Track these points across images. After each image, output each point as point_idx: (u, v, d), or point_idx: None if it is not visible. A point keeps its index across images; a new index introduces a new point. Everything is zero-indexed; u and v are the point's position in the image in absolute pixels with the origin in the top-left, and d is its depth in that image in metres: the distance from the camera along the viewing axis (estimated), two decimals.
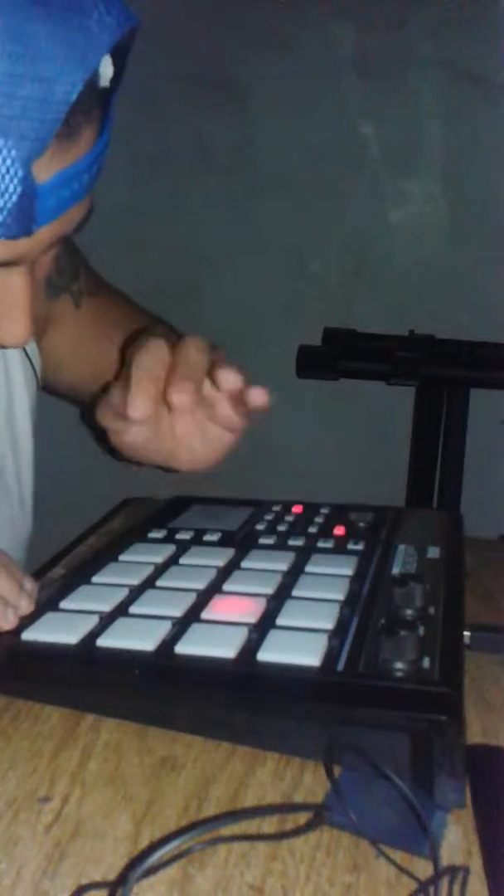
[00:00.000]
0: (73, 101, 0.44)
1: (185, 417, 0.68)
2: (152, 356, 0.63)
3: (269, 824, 0.42)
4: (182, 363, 0.63)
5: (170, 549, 0.66)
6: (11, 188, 0.44)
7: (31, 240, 0.49)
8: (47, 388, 0.89)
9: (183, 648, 0.50)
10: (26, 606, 0.56)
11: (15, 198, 0.45)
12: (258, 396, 0.65)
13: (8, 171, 0.43)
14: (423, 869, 0.39)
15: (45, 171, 0.46)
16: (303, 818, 0.43)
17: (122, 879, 0.37)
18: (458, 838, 0.42)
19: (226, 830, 0.41)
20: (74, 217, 0.52)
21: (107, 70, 0.48)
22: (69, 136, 0.46)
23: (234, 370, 0.64)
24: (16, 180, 0.44)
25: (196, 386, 0.62)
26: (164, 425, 0.69)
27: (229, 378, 0.63)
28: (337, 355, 1.64)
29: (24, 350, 0.81)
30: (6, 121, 0.42)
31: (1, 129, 0.42)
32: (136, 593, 0.58)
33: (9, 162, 0.43)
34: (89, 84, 0.45)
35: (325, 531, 0.70)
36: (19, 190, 0.45)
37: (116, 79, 0.49)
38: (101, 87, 0.48)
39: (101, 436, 0.72)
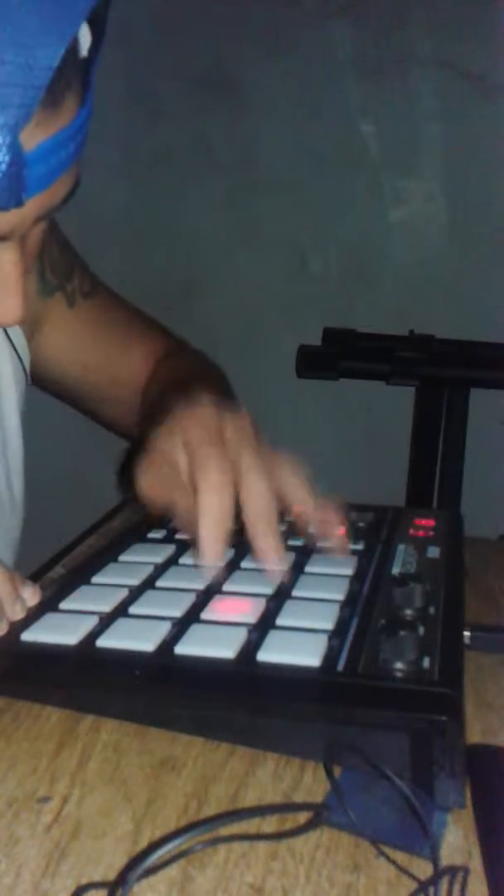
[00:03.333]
0: (56, 67, 0.45)
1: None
2: (221, 500, 0.59)
3: (268, 824, 0.42)
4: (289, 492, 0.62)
5: (170, 549, 0.66)
6: (0, 157, 0.44)
7: (20, 212, 0.49)
8: (36, 384, 0.89)
9: (183, 649, 0.50)
10: (20, 611, 0.56)
11: (3, 166, 0.45)
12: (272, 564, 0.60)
13: None
14: (423, 869, 0.39)
15: (32, 140, 0.47)
16: (303, 818, 0.43)
17: (122, 879, 0.37)
18: (458, 838, 0.42)
19: (226, 830, 0.41)
20: (61, 189, 0.52)
21: (85, 39, 0.48)
22: (53, 103, 0.47)
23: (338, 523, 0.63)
24: (3, 148, 0.44)
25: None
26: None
27: (335, 527, 0.63)
28: (337, 355, 1.64)
29: (13, 345, 0.81)
30: None
31: None
32: (135, 594, 0.58)
33: None
34: (70, 51, 0.46)
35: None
36: (7, 158, 0.45)
37: (94, 48, 0.50)
38: (80, 57, 0.48)
39: (127, 480, 0.69)
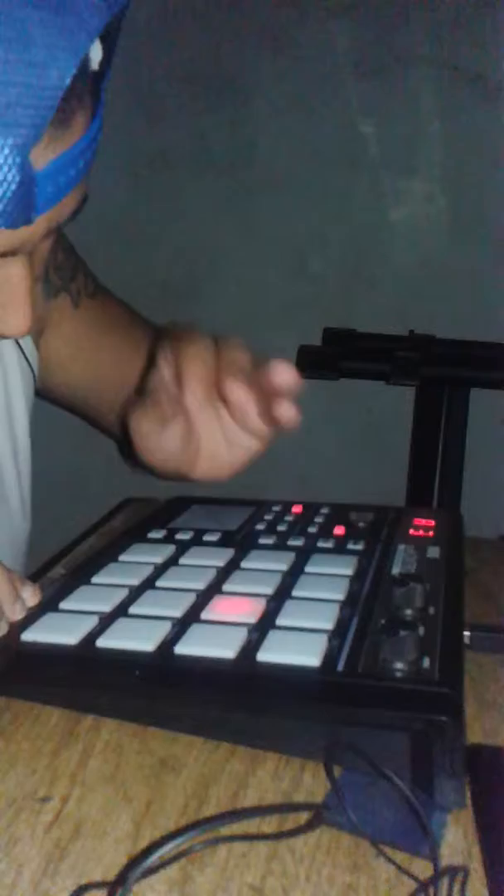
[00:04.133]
0: (67, 86, 0.44)
1: (212, 422, 0.66)
2: (201, 350, 0.63)
3: (268, 824, 0.42)
4: (230, 360, 0.63)
5: (170, 550, 0.66)
6: (10, 177, 0.44)
7: (29, 228, 0.49)
8: (44, 392, 0.88)
9: (183, 649, 0.50)
10: (20, 612, 0.56)
11: (14, 186, 0.45)
12: (288, 412, 0.62)
13: (6, 159, 0.43)
14: (423, 869, 0.39)
15: (42, 158, 0.46)
16: (303, 818, 0.43)
17: (122, 879, 0.37)
18: (458, 838, 0.42)
19: (226, 830, 0.41)
20: (70, 204, 0.52)
21: (97, 53, 0.48)
22: (64, 121, 0.46)
23: (289, 365, 0.62)
24: (14, 168, 0.44)
25: (247, 382, 0.62)
26: (200, 427, 0.67)
27: (287, 374, 0.61)
28: (337, 355, 1.64)
29: (21, 349, 0.81)
30: (2, 108, 0.42)
31: None
32: (135, 594, 0.58)
33: (6, 150, 0.43)
34: (81, 68, 0.45)
35: (325, 531, 0.70)
36: (18, 178, 0.44)
37: (106, 62, 0.49)
38: (91, 71, 0.48)
39: (126, 446, 0.70)
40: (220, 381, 0.63)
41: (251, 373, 0.63)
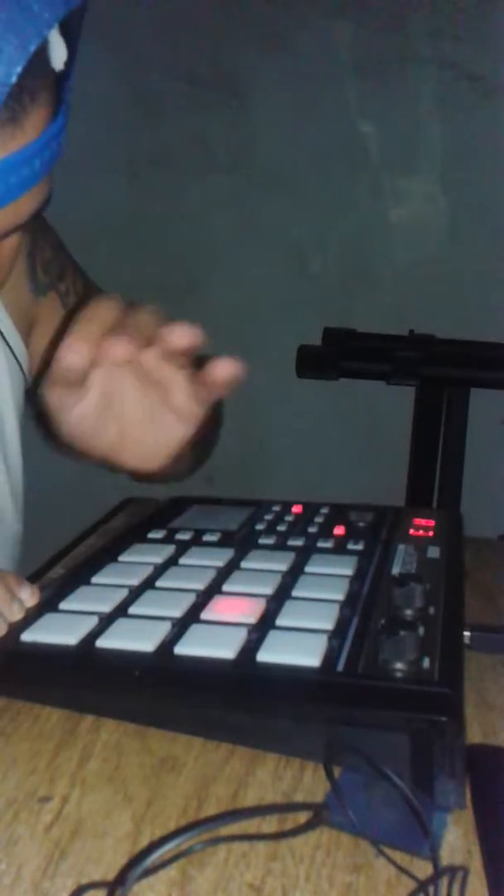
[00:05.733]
0: (15, 83, 0.42)
1: (133, 400, 0.62)
2: (99, 308, 0.58)
3: (268, 824, 0.42)
4: (130, 320, 0.58)
5: (169, 550, 0.66)
6: None
7: None
8: (34, 397, 0.88)
9: (182, 649, 0.50)
10: (18, 612, 0.55)
11: None
12: (224, 368, 0.58)
13: None
14: (423, 869, 0.39)
15: None
16: (303, 818, 0.43)
17: (122, 879, 0.37)
18: (458, 838, 0.42)
19: (226, 830, 0.41)
20: (28, 205, 0.50)
21: (58, 51, 0.46)
22: (14, 120, 0.45)
23: (190, 326, 0.57)
24: None
25: (139, 343, 0.57)
26: (109, 408, 0.63)
27: (182, 333, 0.56)
28: (337, 355, 1.64)
29: (10, 347, 0.81)
30: None
31: None
32: (135, 594, 0.58)
33: None
34: (35, 65, 0.43)
35: (325, 531, 0.70)
36: None
37: (71, 61, 0.47)
38: (51, 69, 0.46)
39: (42, 418, 0.65)
40: (146, 359, 0.58)
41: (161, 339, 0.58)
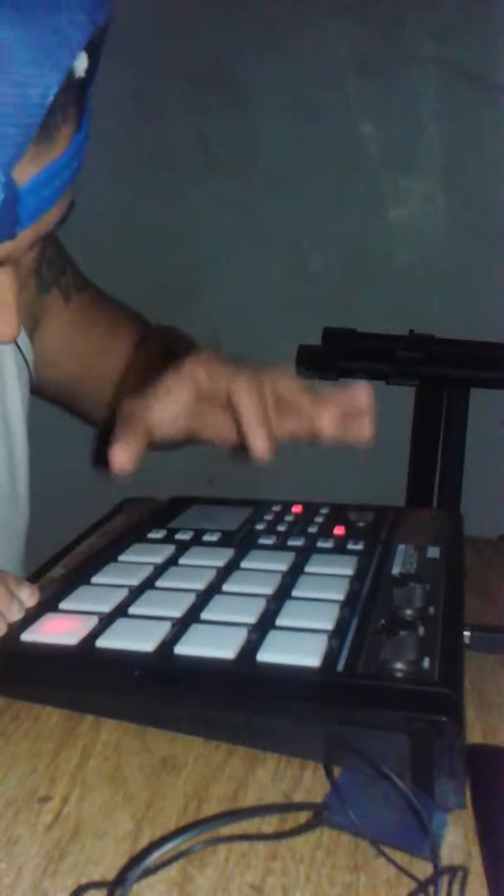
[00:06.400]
0: (49, 104, 0.44)
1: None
2: (253, 391, 0.64)
3: (268, 824, 0.42)
4: (302, 395, 0.66)
5: (169, 550, 0.66)
6: None
7: (13, 242, 0.49)
8: (38, 388, 0.89)
9: (182, 649, 0.50)
10: (17, 612, 0.56)
11: None
12: (362, 396, 0.67)
13: None
14: (423, 869, 0.39)
15: (26, 174, 0.46)
16: (303, 818, 0.43)
17: (122, 879, 0.37)
18: (458, 838, 0.42)
19: (225, 830, 0.41)
20: (56, 213, 0.52)
21: (81, 62, 0.47)
22: (47, 136, 0.46)
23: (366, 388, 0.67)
24: None
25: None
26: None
27: (364, 395, 0.67)
28: (337, 355, 1.64)
29: (17, 344, 0.82)
30: None
31: None
32: (135, 594, 0.58)
33: None
34: (65, 83, 0.45)
35: (325, 531, 0.70)
36: (1, 196, 0.44)
37: (92, 69, 0.49)
38: (76, 80, 0.47)
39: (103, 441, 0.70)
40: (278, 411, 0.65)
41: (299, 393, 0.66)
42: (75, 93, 0.48)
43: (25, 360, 0.83)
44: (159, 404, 0.65)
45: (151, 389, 0.66)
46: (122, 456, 0.61)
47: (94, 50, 0.48)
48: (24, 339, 0.83)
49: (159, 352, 0.89)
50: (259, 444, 0.63)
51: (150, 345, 0.94)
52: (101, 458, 0.69)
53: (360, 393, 0.67)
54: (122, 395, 0.84)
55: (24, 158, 0.45)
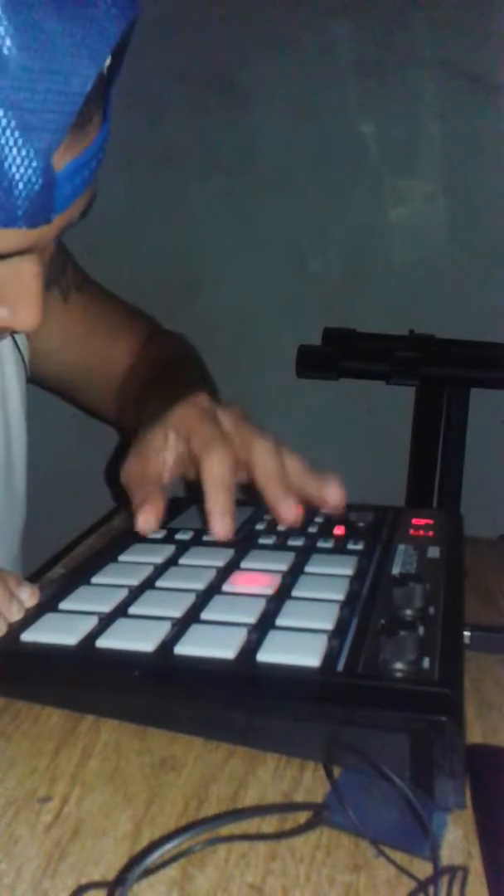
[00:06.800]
0: (87, 92, 0.46)
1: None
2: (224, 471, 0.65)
3: (268, 824, 0.42)
4: (279, 475, 0.67)
5: (169, 550, 0.66)
6: (34, 179, 0.46)
7: (46, 227, 0.50)
8: (36, 379, 0.90)
9: (182, 649, 0.50)
10: (17, 612, 0.56)
11: (37, 188, 0.46)
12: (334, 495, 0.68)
13: (31, 163, 0.45)
14: (423, 869, 0.39)
15: (61, 161, 0.48)
16: (303, 818, 0.43)
17: (122, 879, 0.37)
18: (458, 838, 0.42)
19: (225, 830, 0.41)
20: (82, 203, 0.54)
21: (107, 59, 0.49)
22: (81, 125, 0.48)
23: (337, 485, 0.68)
24: (38, 172, 0.46)
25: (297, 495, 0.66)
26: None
27: (335, 494, 0.68)
28: (337, 355, 1.64)
29: (16, 342, 0.82)
30: (28, 115, 0.44)
31: (24, 123, 0.44)
32: (135, 594, 0.58)
33: (32, 154, 0.45)
34: (99, 74, 0.47)
35: (325, 531, 0.70)
36: (41, 181, 0.46)
37: (115, 65, 0.51)
38: (104, 73, 0.49)
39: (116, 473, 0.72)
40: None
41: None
42: (104, 85, 0.50)
43: (21, 356, 0.84)
44: (160, 466, 0.69)
45: (145, 449, 0.69)
46: (151, 522, 0.65)
47: (119, 46, 0.49)
48: (21, 337, 0.83)
49: (167, 359, 0.90)
50: (289, 513, 0.65)
51: (158, 347, 0.95)
52: (113, 477, 0.71)
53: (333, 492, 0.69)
54: (128, 395, 0.85)
55: (62, 146, 0.47)
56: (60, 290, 0.87)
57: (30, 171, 0.45)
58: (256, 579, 0.59)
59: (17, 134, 0.44)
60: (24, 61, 0.43)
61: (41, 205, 0.47)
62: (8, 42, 0.42)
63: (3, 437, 0.82)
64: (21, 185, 0.45)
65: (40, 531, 0.90)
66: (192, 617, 0.54)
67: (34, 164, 0.45)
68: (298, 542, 0.67)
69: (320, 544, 0.66)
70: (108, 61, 0.49)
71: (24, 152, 0.44)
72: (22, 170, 0.45)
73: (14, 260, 0.52)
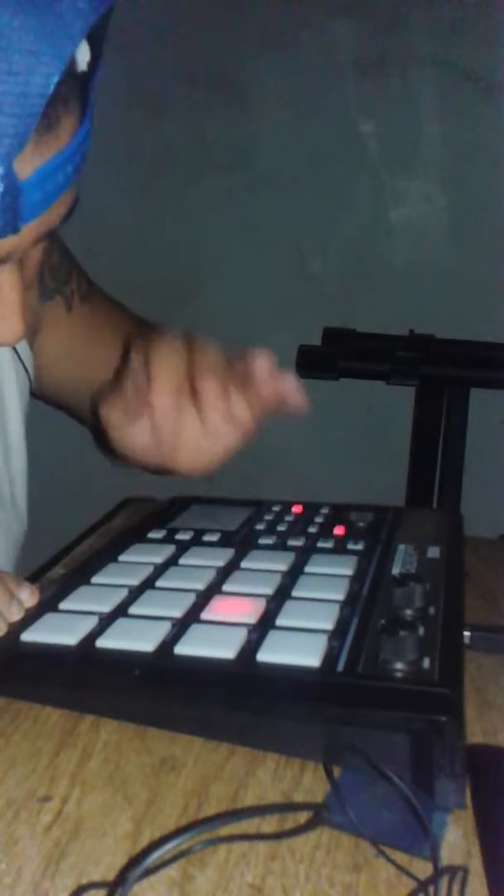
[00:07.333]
0: (51, 93, 0.43)
1: (188, 416, 0.67)
2: (171, 349, 0.65)
3: (268, 824, 0.42)
4: (202, 355, 0.65)
5: (170, 550, 0.66)
6: None
7: (17, 237, 0.48)
8: (37, 392, 0.88)
9: (182, 649, 0.50)
10: (17, 612, 0.56)
11: None
12: (290, 385, 0.66)
13: None
14: (423, 869, 0.39)
15: (28, 166, 0.45)
16: (303, 818, 0.43)
17: (122, 879, 0.37)
18: (458, 838, 0.42)
19: (225, 830, 0.41)
20: (60, 209, 0.51)
21: (83, 55, 0.47)
22: (49, 128, 0.45)
23: (266, 355, 0.66)
24: None
25: (219, 376, 0.64)
26: (169, 424, 0.68)
27: (263, 363, 0.65)
28: (337, 355, 1.64)
29: (16, 351, 0.81)
30: None
31: None
32: (135, 594, 0.58)
33: None
34: (66, 73, 0.44)
35: (325, 531, 0.70)
36: (1, 188, 0.43)
37: (94, 62, 0.48)
38: (78, 73, 0.47)
39: (101, 437, 0.71)
40: (192, 378, 0.65)
41: (227, 367, 0.66)
42: (78, 84, 0.47)
43: (25, 368, 0.82)
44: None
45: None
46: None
47: (96, 41, 0.47)
48: (23, 347, 0.82)
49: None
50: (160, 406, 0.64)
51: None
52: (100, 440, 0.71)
53: (259, 363, 0.67)
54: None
55: (26, 150, 0.44)
56: (64, 299, 0.85)
57: None
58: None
59: None
60: None
61: (5, 214, 0.45)
62: None
63: (2, 451, 0.81)
64: None
65: (40, 531, 0.90)
66: (192, 617, 0.54)
67: None
68: (298, 542, 0.67)
69: (320, 544, 0.66)
70: (86, 57, 0.46)
71: None
72: None
73: None
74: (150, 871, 0.38)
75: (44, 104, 0.43)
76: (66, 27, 0.42)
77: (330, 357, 1.64)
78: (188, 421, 0.67)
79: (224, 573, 0.61)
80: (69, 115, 0.47)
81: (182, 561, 0.64)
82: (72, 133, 0.48)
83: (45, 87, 0.42)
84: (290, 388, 0.67)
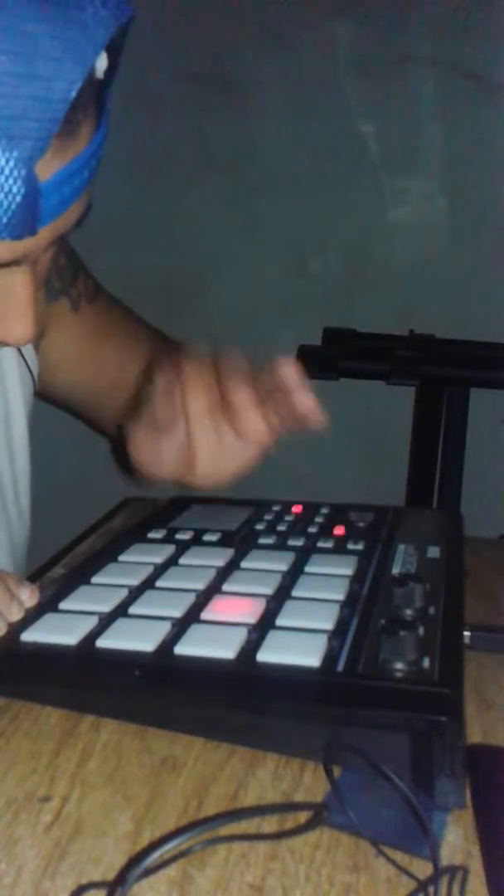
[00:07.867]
0: (73, 99, 0.44)
1: (211, 432, 0.67)
2: (201, 364, 0.66)
3: (268, 824, 0.42)
4: (230, 369, 0.66)
5: (169, 550, 0.66)
6: (15, 189, 0.44)
7: (33, 239, 0.49)
8: (42, 394, 0.88)
9: (182, 649, 0.50)
10: (17, 612, 0.56)
11: (19, 198, 0.45)
12: (307, 402, 0.66)
13: (11, 172, 0.43)
14: (423, 869, 0.39)
15: (47, 170, 0.46)
16: (303, 818, 0.43)
17: (122, 879, 0.37)
18: (458, 838, 0.42)
19: (225, 830, 0.41)
20: (74, 213, 0.52)
21: (102, 62, 0.48)
22: (69, 133, 0.46)
23: (291, 363, 0.66)
24: (19, 181, 0.44)
25: (251, 388, 0.65)
26: (209, 437, 0.68)
27: (290, 371, 0.65)
28: (337, 355, 1.64)
29: (21, 352, 0.81)
30: (7, 121, 0.42)
31: (2, 131, 0.42)
32: (135, 594, 0.58)
33: (11, 163, 0.43)
34: (87, 79, 0.45)
35: (325, 531, 0.70)
36: (23, 190, 0.44)
37: (111, 70, 0.49)
38: (96, 80, 0.48)
39: (120, 453, 0.71)
40: (222, 390, 0.65)
41: (253, 378, 0.66)
42: (96, 91, 0.48)
43: (29, 368, 0.82)
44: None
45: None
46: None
47: (114, 50, 0.48)
48: (27, 347, 0.82)
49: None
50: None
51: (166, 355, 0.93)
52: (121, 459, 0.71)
53: (283, 367, 0.66)
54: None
55: (47, 154, 0.45)
56: (70, 300, 0.85)
57: (10, 182, 0.43)
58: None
59: None
60: (3, 65, 0.41)
61: (25, 216, 0.46)
62: None
63: (6, 451, 0.81)
64: (1, 196, 0.44)
65: (40, 531, 0.90)
66: (192, 617, 0.54)
67: (15, 173, 0.43)
68: (298, 542, 0.67)
69: (320, 544, 0.66)
70: (103, 65, 0.48)
71: (3, 161, 0.43)
72: (2, 180, 0.43)
73: (2, 272, 0.51)
74: (150, 871, 0.38)
75: (66, 109, 0.44)
76: (89, 35, 0.44)
77: (330, 357, 1.64)
78: (208, 438, 0.68)
79: (224, 573, 0.61)
80: (87, 122, 0.48)
81: (182, 561, 0.64)
82: (89, 139, 0.49)
83: (68, 92, 0.43)
84: (311, 405, 0.67)
